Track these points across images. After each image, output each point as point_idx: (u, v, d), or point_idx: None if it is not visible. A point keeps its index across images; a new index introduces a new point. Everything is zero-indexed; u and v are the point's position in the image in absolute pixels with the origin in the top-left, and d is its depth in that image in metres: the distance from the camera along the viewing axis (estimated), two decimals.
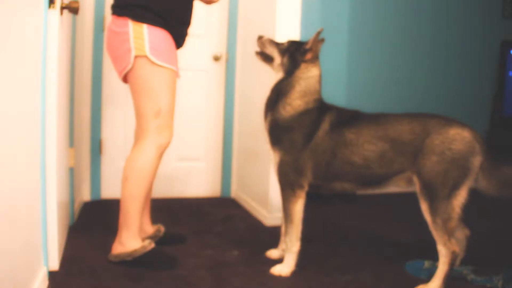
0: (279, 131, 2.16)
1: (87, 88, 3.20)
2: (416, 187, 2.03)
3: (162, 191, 3.34)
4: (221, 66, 3.50)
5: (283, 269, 2.13)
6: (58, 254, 2.05)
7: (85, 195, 3.27)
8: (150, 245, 2.16)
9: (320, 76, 2.24)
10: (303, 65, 2.19)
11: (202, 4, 2.38)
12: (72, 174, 2.66)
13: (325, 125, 2.12)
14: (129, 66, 2.08)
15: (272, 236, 2.67)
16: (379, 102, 3.80)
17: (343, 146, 2.08)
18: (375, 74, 3.86)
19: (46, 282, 1.89)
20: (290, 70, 2.20)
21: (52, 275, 1.97)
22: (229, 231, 2.74)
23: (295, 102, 2.16)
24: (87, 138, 3.24)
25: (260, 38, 2.34)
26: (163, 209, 3.02)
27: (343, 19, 3.73)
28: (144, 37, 2.04)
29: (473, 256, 2.23)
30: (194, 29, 3.27)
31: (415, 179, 2.02)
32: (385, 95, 3.87)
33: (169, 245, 2.39)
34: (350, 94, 3.77)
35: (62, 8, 2.00)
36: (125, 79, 2.18)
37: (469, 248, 2.19)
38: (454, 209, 1.95)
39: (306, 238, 2.68)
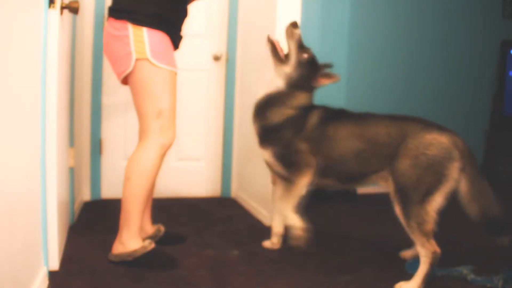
0: (269, 132, 2.24)
1: (87, 88, 3.20)
2: (390, 190, 2.03)
3: (162, 191, 3.34)
4: (221, 66, 3.50)
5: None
6: (58, 254, 2.05)
7: (85, 195, 3.27)
8: (150, 245, 2.16)
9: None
10: (303, 92, 2.23)
11: (201, 4, 2.38)
12: (72, 174, 2.66)
13: (312, 120, 2.18)
14: (130, 69, 2.09)
15: None
16: (379, 102, 3.80)
17: (325, 140, 2.13)
18: (375, 74, 3.86)
19: (46, 282, 1.89)
20: (295, 87, 2.22)
21: (52, 275, 1.97)
22: (229, 231, 2.74)
23: (286, 111, 2.22)
24: (87, 138, 3.24)
25: (294, 25, 2.24)
26: (163, 209, 3.02)
27: (343, 19, 3.73)
28: (145, 40, 2.06)
29: (473, 256, 2.23)
30: (194, 29, 3.29)
31: (389, 181, 2.03)
32: (385, 95, 3.87)
33: (169, 245, 2.40)
34: (350, 94, 3.77)
35: (62, 8, 2.00)
36: (124, 81, 2.19)
37: (470, 248, 2.19)
38: (428, 213, 1.93)
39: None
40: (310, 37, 3.60)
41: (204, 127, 3.52)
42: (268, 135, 2.25)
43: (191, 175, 3.52)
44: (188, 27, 2.35)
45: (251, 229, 2.81)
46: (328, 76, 2.24)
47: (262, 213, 2.98)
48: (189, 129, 3.45)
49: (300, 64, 2.21)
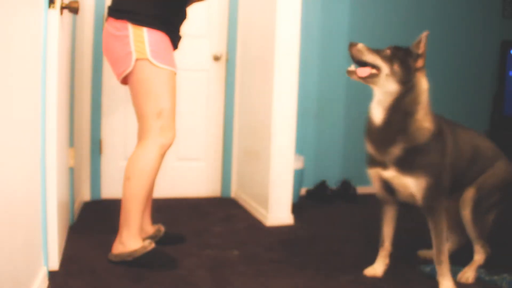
0: (418, 157, 1.96)
1: (87, 88, 3.20)
2: (465, 196, 2.14)
3: (162, 191, 3.33)
4: (221, 66, 3.50)
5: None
6: (58, 254, 2.05)
7: (85, 195, 3.27)
8: (150, 245, 2.16)
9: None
10: (417, 74, 1.95)
11: (201, 4, 2.38)
12: (72, 174, 2.66)
13: (449, 141, 2.05)
14: (130, 69, 2.09)
15: (272, 236, 2.67)
16: None
17: (459, 154, 2.12)
18: None
19: (46, 282, 1.89)
20: (407, 80, 1.93)
21: (52, 275, 1.97)
22: (229, 231, 2.74)
23: (425, 124, 1.96)
24: (87, 138, 3.24)
25: (354, 45, 2.03)
26: (163, 209, 3.02)
27: (343, 19, 3.73)
28: (145, 40, 2.06)
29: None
30: (194, 29, 3.29)
31: (471, 188, 2.13)
32: None
33: (169, 245, 2.40)
34: (350, 94, 3.76)
35: (62, 8, 2.00)
36: (124, 81, 2.19)
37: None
38: (490, 222, 2.19)
39: (307, 238, 2.69)
40: (310, 37, 3.60)
41: (204, 127, 3.52)
42: (417, 160, 1.95)
43: (191, 175, 3.52)
44: (188, 27, 2.35)
45: (251, 229, 2.81)
46: (419, 40, 1.98)
47: (262, 213, 2.98)
48: (189, 129, 3.45)
49: (388, 58, 1.98)
